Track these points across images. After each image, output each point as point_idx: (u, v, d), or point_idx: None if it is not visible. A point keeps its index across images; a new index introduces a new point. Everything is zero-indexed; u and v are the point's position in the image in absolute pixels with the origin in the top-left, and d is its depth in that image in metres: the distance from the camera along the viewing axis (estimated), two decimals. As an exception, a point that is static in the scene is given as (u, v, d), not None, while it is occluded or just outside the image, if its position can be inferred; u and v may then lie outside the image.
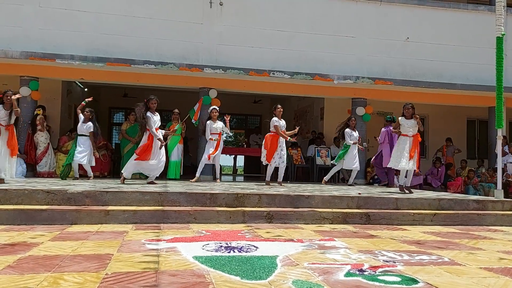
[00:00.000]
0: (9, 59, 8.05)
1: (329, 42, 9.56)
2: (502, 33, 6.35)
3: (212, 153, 7.87)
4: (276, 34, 9.33)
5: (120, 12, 8.75)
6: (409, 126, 6.45)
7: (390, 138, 8.64)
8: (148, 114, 6.41)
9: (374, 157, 9.33)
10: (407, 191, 6.40)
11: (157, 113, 6.60)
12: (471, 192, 9.61)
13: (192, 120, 9.04)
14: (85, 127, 7.56)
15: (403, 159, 6.34)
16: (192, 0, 9.04)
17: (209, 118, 8.06)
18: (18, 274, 2.34)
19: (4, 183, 5.64)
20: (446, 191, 9.95)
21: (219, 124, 8.02)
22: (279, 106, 7.53)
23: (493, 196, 6.29)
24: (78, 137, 7.62)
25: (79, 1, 8.57)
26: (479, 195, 9.45)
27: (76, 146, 7.52)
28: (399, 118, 6.65)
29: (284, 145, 7.53)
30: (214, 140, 7.91)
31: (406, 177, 6.54)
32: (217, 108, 8.24)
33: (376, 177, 9.89)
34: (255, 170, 13.19)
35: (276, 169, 7.53)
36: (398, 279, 2.47)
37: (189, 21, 9.00)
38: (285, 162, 7.52)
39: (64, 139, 9.12)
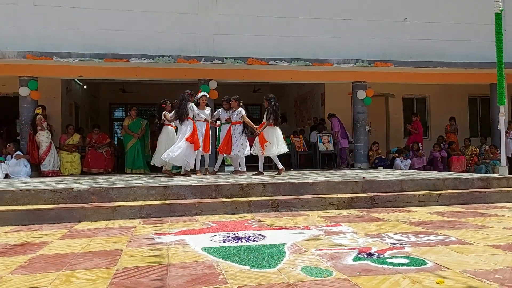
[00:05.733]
0: (7, 59, 8.03)
1: (327, 27, 9.48)
2: (501, 8, 6.28)
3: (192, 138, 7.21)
4: (273, 21, 9.25)
5: (116, 7, 8.68)
6: None
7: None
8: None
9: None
10: None
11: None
12: (483, 170, 9.60)
13: None
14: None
15: None
16: (186, -10, 8.96)
17: (197, 104, 7.44)
18: (30, 274, 2.34)
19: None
20: (450, 169, 9.95)
21: (206, 112, 7.62)
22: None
23: (498, 173, 6.29)
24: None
25: (74, -3, 8.51)
26: (487, 171, 9.47)
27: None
28: None
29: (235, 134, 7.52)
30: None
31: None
32: (207, 95, 7.91)
33: (376, 161, 9.89)
34: (255, 160, 13.16)
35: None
36: (407, 260, 2.47)
37: (184, 12, 8.93)
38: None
39: (64, 137, 9.12)
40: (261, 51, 8.96)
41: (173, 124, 7.49)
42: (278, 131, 7.09)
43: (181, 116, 6.88)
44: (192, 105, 7.08)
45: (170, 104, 7.64)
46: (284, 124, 13.28)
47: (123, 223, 4.03)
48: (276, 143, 6.98)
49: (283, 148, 7.12)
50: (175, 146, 6.82)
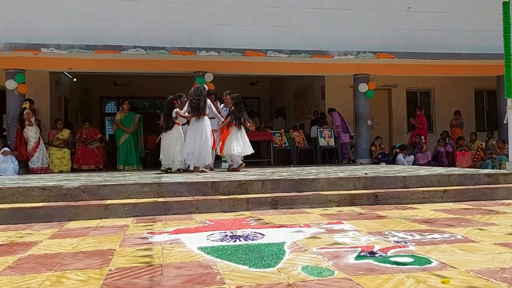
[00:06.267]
0: (-7, 52, 7.80)
1: (327, 17, 9.24)
2: (509, -3, 6.12)
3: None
4: (271, 11, 9.02)
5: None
6: None
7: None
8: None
9: None
10: None
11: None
12: (489, 166, 9.47)
13: None
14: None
15: None
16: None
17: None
18: (19, 275, 2.30)
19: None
20: (455, 165, 9.80)
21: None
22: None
23: (505, 169, 6.17)
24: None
25: (63, -13, 8.26)
26: (494, 167, 9.34)
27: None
28: None
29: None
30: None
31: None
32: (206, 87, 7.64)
33: (379, 156, 9.76)
34: (254, 155, 13.03)
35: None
36: (411, 259, 2.43)
37: (178, 2, 8.66)
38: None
39: (52, 133, 8.91)
40: (259, 42, 8.74)
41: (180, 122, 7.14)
42: (242, 132, 6.98)
43: (200, 112, 6.62)
44: (210, 103, 6.89)
45: (184, 98, 7.12)
46: (279, 118, 13.17)
47: (116, 222, 3.97)
48: (239, 143, 6.90)
49: (248, 150, 7.04)
50: (205, 148, 6.63)
